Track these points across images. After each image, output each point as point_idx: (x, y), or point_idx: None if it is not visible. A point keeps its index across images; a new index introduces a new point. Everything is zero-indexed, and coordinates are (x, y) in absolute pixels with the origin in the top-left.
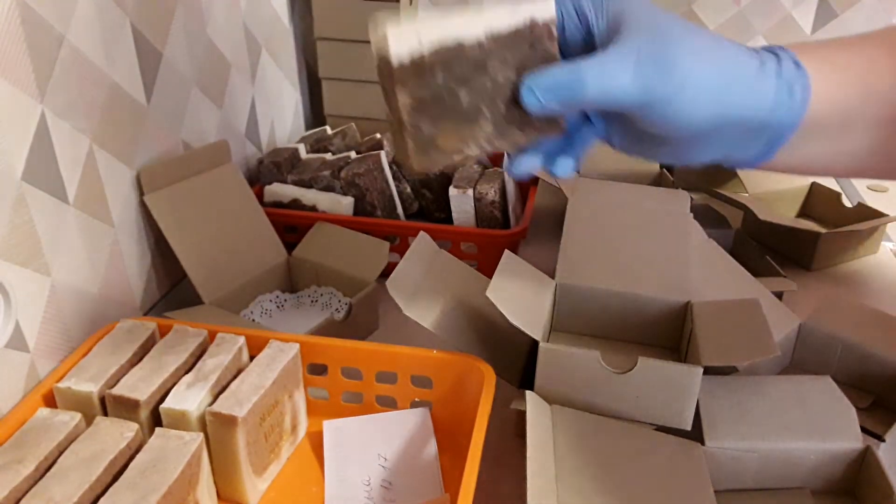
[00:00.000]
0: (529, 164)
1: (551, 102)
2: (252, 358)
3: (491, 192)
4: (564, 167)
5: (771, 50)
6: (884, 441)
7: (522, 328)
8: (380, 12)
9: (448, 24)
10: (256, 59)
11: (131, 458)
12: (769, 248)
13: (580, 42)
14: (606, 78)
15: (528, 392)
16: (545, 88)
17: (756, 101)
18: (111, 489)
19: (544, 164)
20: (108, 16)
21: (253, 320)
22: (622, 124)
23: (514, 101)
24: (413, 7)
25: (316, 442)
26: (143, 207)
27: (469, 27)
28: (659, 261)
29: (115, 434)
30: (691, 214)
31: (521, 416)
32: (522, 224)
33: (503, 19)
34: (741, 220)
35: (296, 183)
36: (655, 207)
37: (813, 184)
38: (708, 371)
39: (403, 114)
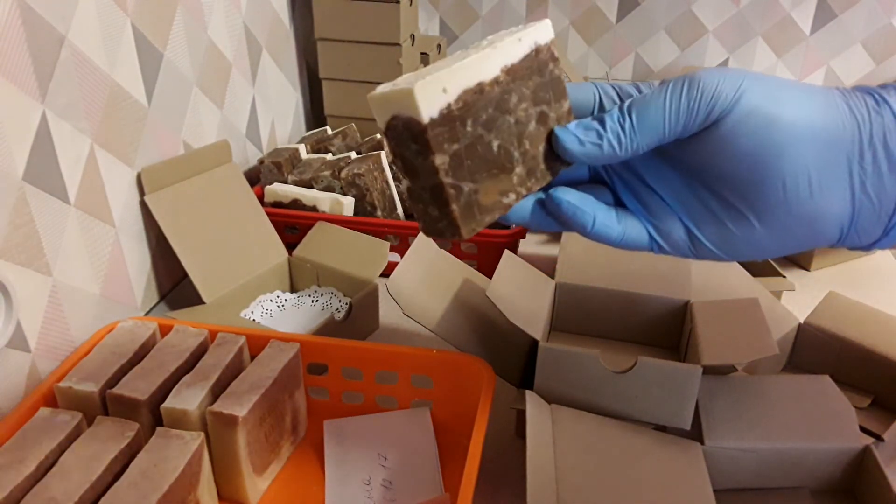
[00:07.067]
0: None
1: (602, 146)
2: (252, 358)
3: None
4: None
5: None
6: (883, 441)
7: (522, 328)
8: (375, 85)
9: (465, 66)
10: (257, 59)
11: (132, 457)
12: None
13: None
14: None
15: (528, 392)
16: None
17: None
18: (112, 488)
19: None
20: (109, 16)
21: (253, 320)
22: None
23: (539, 135)
24: (413, 7)
25: (316, 442)
26: (144, 207)
27: (485, 65)
28: (659, 261)
29: (116, 433)
30: None
31: (521, 416)
32: None
33: (513, 50)
34: None
35: (296, 183)
36: None
37: None
38: (708, 371)
39: (441, 175)
